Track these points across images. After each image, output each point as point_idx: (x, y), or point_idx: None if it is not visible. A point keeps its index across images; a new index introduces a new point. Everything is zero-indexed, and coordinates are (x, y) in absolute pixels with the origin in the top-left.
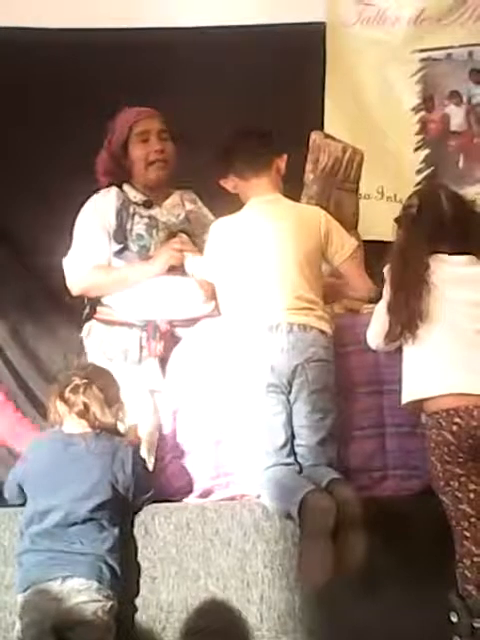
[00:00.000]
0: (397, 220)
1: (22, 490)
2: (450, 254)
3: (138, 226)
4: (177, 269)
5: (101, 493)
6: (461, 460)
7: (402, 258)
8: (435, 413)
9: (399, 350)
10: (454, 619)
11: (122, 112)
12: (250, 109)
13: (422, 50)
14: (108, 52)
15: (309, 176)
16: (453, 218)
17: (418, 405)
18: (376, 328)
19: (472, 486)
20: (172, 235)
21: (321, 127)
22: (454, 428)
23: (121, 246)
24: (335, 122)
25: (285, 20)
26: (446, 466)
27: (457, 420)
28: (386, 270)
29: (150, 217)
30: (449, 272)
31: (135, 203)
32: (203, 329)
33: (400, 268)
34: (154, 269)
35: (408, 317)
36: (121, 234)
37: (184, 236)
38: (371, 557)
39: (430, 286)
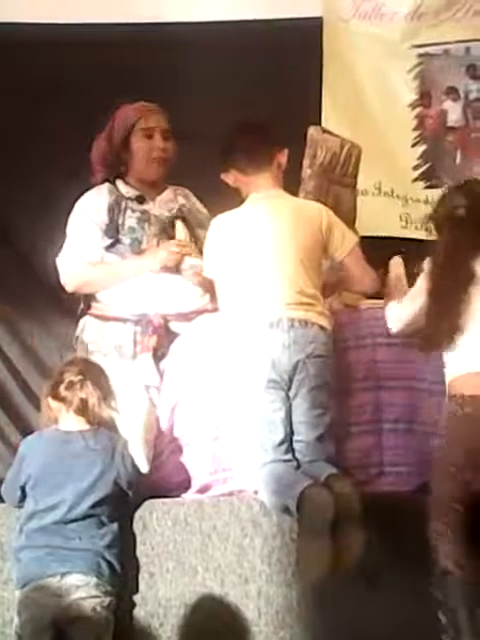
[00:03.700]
0: (437, 220)
1: (24, 492)
2: None
3: (130, 220)
4: (172, 269)
5: (102, 488)
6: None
7: (448, 264)
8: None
9: (400, 346)
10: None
11: (126, 106)
12: (247, 104)
13: (419, 45)
14: (108, 49)
15: (307, 171)
16: None
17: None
18: (404, 314)
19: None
20: (168, 227)
21: (318, 122)
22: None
23: (112, 240)
24: (332, 117)
25: (282, 15)
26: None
27: None
28: (426, 268)
29: (142, 211)
30: None
31: (128, 198)
32: (202, 324)
33: (444, 274)
34: (148, 264)
35: (450, 327)
36: (113, 229)
37: (182, 232)
38: (369, 552)
39: (471, 295)
